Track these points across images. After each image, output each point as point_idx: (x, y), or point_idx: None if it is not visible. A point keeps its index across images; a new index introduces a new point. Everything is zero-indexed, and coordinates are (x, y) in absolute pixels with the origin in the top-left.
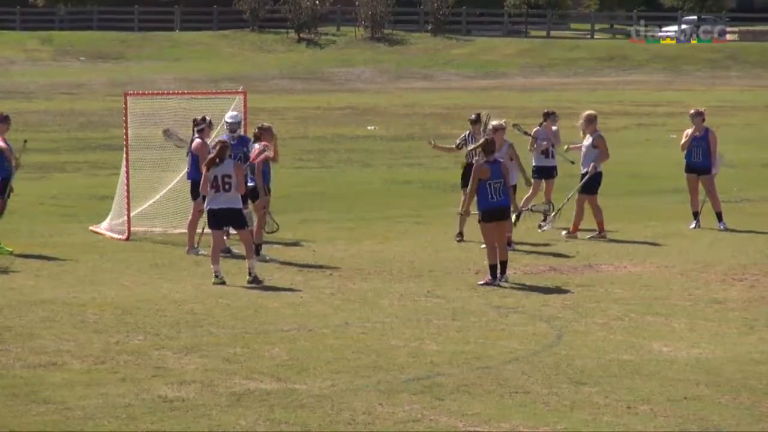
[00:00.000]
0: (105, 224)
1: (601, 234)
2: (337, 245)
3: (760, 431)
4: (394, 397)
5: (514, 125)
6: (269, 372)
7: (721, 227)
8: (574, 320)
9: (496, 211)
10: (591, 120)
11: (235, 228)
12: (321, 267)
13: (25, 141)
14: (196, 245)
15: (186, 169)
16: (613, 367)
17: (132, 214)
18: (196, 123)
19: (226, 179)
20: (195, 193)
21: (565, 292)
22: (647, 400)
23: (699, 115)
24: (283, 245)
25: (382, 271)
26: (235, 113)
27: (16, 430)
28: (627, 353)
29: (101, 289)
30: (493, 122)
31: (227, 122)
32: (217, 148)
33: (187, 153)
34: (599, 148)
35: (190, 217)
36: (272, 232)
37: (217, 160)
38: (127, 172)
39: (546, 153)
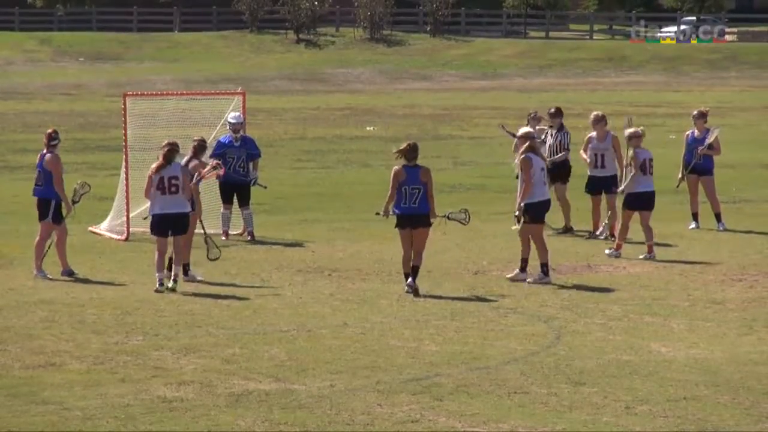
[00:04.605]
0: (104, 225)
1: (593, 234)
2: (335, 246)
3: (758, 431)
4: (392, 398)
5: (500, 126)
6: (268, 372)
7: (720, 228)
8: (573, 320)
9: (407, 217)
10: (599, 120)
11: (175, 234)
12: (320, 267)
13: None
14: (41, 268)
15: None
16: (611, 367)
17: (131, 215)
18: (50, 138)
19: (173, 181)
20: (43, 212)
21: (564, 292)
22: (646, 401)
23: (702, 117)
24: (282, 245)
25: (381, 271)
26: (237, 114)
27: (15, 430)
28: (626, 354)
29: (100, 289)
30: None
31: (230, 122)
32: (165, 150)
33: (38, 166)
34: (616, 150)
35: (37, 237)
36: (215, 259)
37: (165, 163)
38: (127, 173)
39: None
